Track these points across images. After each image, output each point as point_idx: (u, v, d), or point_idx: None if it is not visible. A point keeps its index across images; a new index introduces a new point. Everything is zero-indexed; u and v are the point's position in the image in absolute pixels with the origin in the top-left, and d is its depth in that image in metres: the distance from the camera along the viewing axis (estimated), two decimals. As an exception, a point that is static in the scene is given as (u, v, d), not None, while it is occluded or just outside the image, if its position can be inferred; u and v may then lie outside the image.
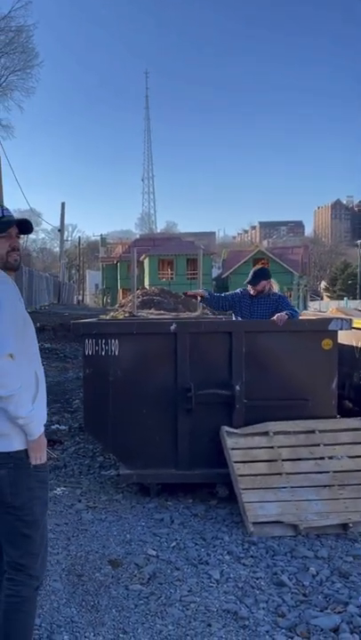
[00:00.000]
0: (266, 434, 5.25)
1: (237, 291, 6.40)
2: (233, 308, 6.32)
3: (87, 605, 3.67)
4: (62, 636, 3.33)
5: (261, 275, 6.21)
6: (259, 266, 6.52)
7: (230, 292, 6.50)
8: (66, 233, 56.80)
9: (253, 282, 6.18)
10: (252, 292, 6.18)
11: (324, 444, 5.23)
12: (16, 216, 2.75)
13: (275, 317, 5.54)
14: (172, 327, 5.49)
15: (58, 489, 5.68)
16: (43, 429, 2.62)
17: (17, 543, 2.58)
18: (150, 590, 3.87)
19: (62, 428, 7.71)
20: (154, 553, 4.38)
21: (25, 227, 2.73)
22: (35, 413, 2.55)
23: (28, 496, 2.55)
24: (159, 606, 3.69)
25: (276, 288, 6.32)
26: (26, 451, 2.55)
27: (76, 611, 3.61)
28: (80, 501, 5.44)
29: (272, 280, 6.31)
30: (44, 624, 3.40)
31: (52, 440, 6.64)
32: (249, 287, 6.21)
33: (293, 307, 6.16)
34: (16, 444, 2.53)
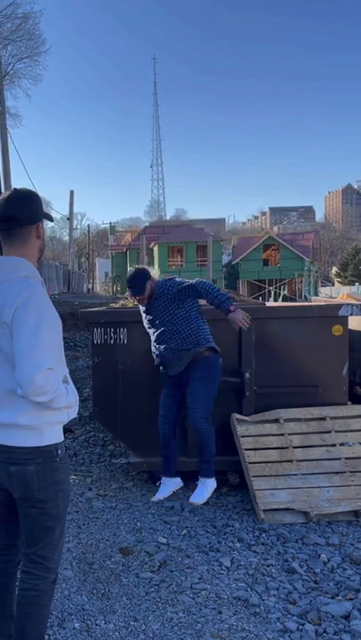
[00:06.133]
0: (276, 421, 5.23)
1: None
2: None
3: (98, 593, 3.68)
4: (73, 623, 3.35)
5: (141, 277, 4.90)
6: (132, 269, 5.09)
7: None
8: (75, 221, 56.70)
9: (137, 291, 4.90)
10: (141, 304, 5.05)
11: (336, 431, 5.20)
12: None
13: (232, 319, 4.65)
14: (181, 315, 5.45)
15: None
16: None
17: (40, 536, 2.56)
18: (161, 578, 3.87)
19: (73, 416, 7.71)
20: (164, 541, 4.38)
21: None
22: (71, 398, 2.53)
23: (54, 490, 2.53)
24: (170, 594, 3.69)
25: (157, 275, 5.26)
26: (55, 445, 2.53)
27: (86, 598, 3.62)
28: (91, 490, 5.45)
29: (152, 269, 5.33)
30: (55, 612, 3.41)
31: (64, 428, 6.64)
32: (134, 300, 5.13)
33: (184, 281, 4.87)
34: (46, 439, 2.50)
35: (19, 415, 2.45)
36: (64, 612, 3.45)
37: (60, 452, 2.56)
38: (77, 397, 2.62)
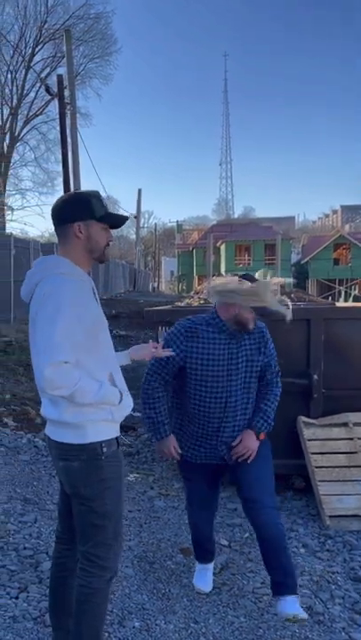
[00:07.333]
0: (345, 425, 5.08)
1: (175, 331, 3.30)
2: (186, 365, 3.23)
3: (158, 593, 3.66)
4: (133, 622, 3.33)
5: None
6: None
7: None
8: (142, 220, 57.32)
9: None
10: (250, 323, 3.22)
11: None
12: None
13: (240, 449, 3.26)
14: (247, 314, 5.36)
15: (131, 475, 5.71)
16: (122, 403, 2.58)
17: (90, 533, 2.58)
18: (222, 581, 3.82)
19: (136, 414, 7.74)
20: (226, 543, 4.33)
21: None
22: (105, 393, 2.49)
23: (99, 487, 2.54)
24: (231, 597, 3.64)
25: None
26: (100, 443, 2.53)
27: (147, 598, 3.60)
28: (152, 488, 5.45)
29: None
30: (115, 610, 3.41)
31: (126, 426, 6.69)
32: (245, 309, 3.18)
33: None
34: (90, 436, 2.51)
35: (64, 412, 2.49)
36: (124, 610, 3.45)
37: (105, 449, 2.54)
38: (125, 396, 2.59)
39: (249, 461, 3.23)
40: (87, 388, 2.42)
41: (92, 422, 2.51)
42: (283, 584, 3.17)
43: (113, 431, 2.60)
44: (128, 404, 2.64)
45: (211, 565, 3.75)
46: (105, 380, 2.52)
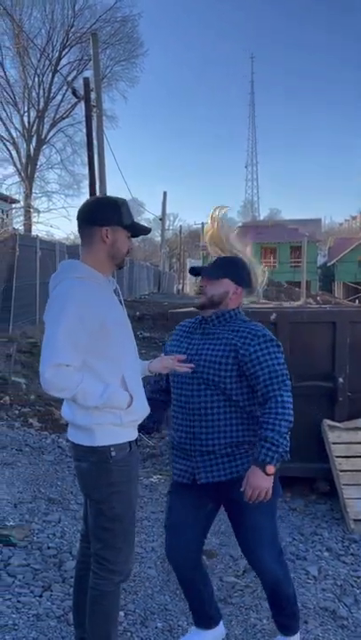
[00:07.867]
0: (370, 428, 5.04)
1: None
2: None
3: (181, 594, 3.64)
4: (156, 622, 3.34)
5: (225, 265, 2.93)
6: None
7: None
8: (167, 222, 57.26)
9: (208, 272, 2.93)
10: (201, 299, 2.90)
11: None
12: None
13: (248, 492, 2.66)
14: (273, 317, 5.34)
15: (154, 477, 5.72)
16: (132, 405, 2.52)
17: (99, 536, 2.59)
18: (245, 583, 3.81)
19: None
20: (249, 545, 4.30)
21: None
22: (109, 396, 2.44)
23: (107, 491, 2.53)
24: (254, 599, 3.62)
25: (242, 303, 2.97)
26: (109, 446, 2.51)
27: (169, 598, 3.61)
28: (176, 489, 5.44)
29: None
30: (138, 610, 3.42)
31: (148, 428, 6.70)
32: (199, 285, 2.94)
33: (282, 370, 2.72)
34: (99, 440, 2.50)
35: (76, 414, 2.52)
36: (147, 610, 3.46)
37: (114, 454, 2.51)
38: (136, 400, 2.54)
39: (266, 500, 2.71)
40: (89, 390, 2.41)
41: (100, 426, 2.49)
42: (280, 624, 3.08)
43: (124, 435, 2.56)
44: (140, 409, 2.58)
45: (207, 634, 3.07)
46: (115, 383, 2.50)
